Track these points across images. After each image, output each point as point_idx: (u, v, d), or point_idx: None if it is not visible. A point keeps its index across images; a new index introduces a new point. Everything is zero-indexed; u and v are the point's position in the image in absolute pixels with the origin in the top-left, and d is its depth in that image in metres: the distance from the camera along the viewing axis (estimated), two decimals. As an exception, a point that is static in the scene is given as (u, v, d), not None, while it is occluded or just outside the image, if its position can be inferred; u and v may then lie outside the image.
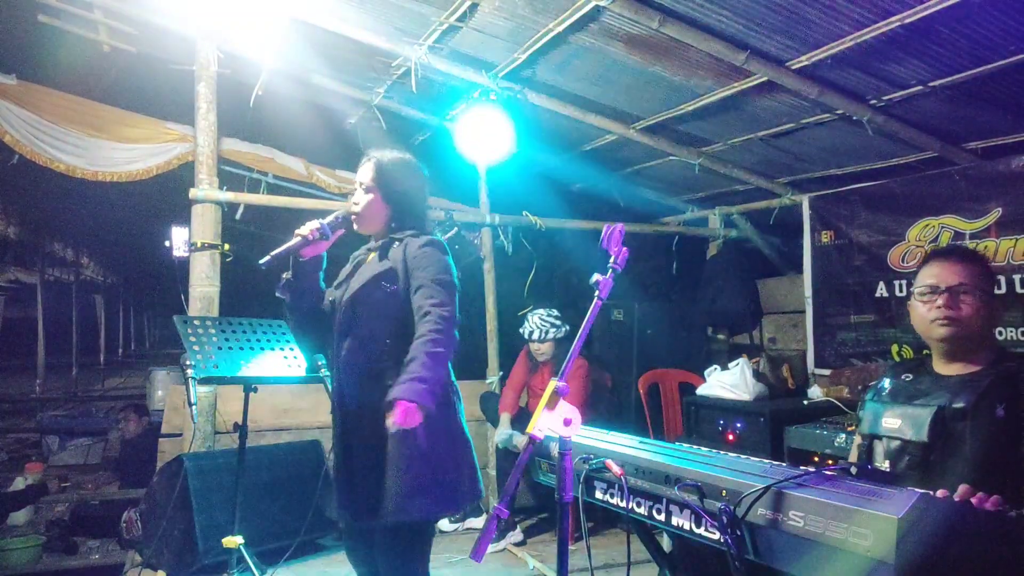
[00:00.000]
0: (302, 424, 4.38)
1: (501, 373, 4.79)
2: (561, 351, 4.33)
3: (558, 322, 4.34)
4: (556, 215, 5.12)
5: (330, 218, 2.21)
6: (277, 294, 2.24)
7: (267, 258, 2.14)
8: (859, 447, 2.04)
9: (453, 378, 2.18)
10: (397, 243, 2.14)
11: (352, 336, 2.12)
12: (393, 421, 1.85)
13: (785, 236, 5.56)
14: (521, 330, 4.42)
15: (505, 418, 4.28)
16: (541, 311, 4.41)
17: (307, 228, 2.16)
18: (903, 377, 2.00)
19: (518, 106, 4.20)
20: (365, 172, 2.24)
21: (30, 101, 3.96)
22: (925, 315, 1.90)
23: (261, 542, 3.47)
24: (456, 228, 4.65)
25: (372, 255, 2.21)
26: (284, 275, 2.21)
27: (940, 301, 1.86)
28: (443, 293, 2.04)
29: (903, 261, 4.16)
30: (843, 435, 3.08)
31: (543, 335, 4.30)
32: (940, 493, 1.42)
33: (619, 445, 1.84)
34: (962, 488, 1.50)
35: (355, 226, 2.23)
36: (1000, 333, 3.59)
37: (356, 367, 2.11)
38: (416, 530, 2.08)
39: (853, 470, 1.97)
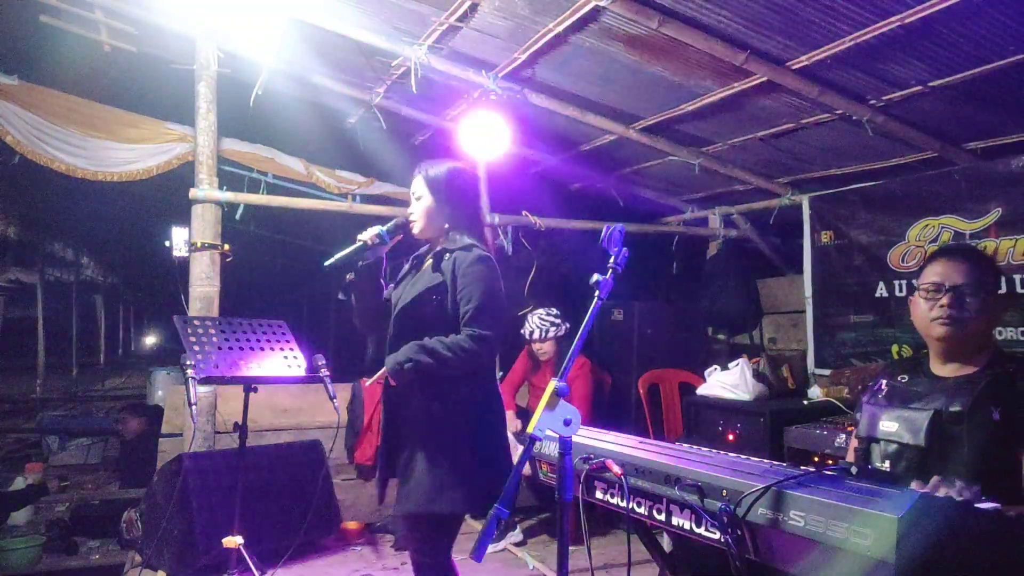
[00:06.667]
0: (302, 424, 4.38)
1: (501, 373, 4.79)
2: (562, 349, 4.37)
3: (558, 320, 4.37)
4: (556, 215, 5.12)
5: (390, 224, 2.34)
6: (340, 296, 2.37)
7: (332, 260, 2.30)
8: (856, 450, 2.03)
9: (496, 388, 2.33)
10: (448, 255, 2.25)
11: (404, 343, 2.23)
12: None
13: (785, 236, 5.57)
14: (522, 330, 4.43)
15: (510, 415, 4.29)
16: (541, 311, 4.45)
17: (368, 234, 2.30)
18: (899, 379, 1.99)
19: (518, 106, 4.20)
20: (416, 184, 2.36)
21: (31, 102, 3.97)
22: (926, 313, 1.88)
23: (261, 542, 3.47)
24: None
25: (428, 263, 2.33)
26: (348, 276, 2.35)
27: (944, 300, 1.84)
28: (487, 319, 2.15)
29: (903, 261, 4.16)
30: (843, 435, 3.08)
31: (543, 334, 4.34)
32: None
33: (619, 445, 1.84)
34: (934, 480, 1.51)
35: (413, 231, 2.35)
36: (1000, 333, 3.59)
37: None
38: (442, 521, 2.19)
39: (853, 470, 1.97)
